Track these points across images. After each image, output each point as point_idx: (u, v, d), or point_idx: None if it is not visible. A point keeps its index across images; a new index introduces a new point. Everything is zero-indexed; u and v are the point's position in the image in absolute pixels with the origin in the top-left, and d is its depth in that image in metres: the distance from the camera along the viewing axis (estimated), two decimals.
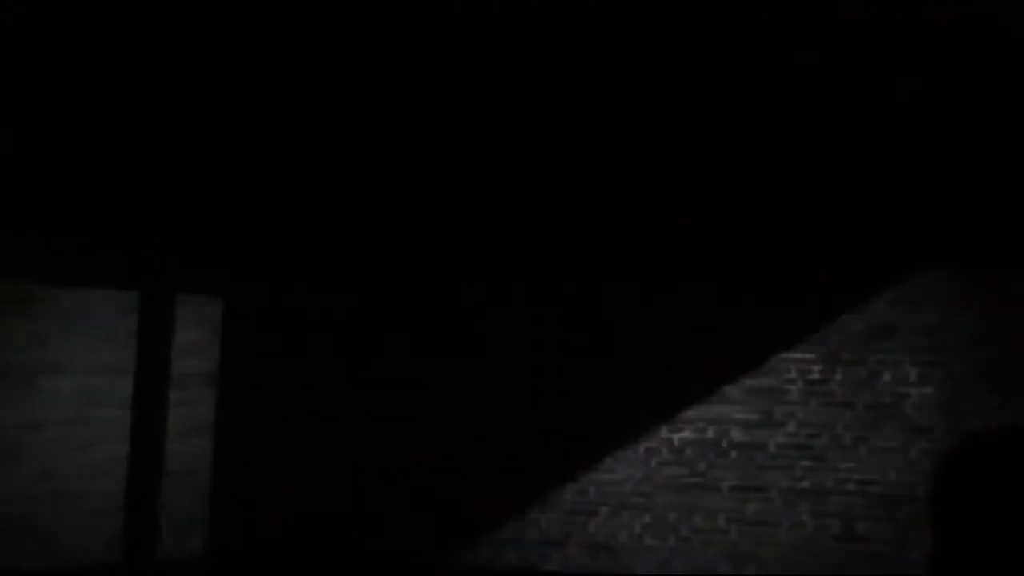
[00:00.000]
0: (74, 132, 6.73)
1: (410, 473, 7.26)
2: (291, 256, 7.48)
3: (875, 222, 6.66)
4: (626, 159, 6.81)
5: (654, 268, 7.04)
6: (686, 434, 7.02)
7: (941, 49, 4.92)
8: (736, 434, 6.96)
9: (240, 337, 7.45)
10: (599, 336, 7.11)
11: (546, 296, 7.16)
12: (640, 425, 7.07)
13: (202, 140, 6.95)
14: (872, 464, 6.69)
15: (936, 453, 6.64)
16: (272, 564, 7.23)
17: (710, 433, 6.99)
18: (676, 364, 7.04)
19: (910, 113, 5.77)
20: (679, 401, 7.03)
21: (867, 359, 6.74)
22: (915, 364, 6.68)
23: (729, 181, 6.79)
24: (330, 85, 6.13)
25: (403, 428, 7.27)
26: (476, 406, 7.20)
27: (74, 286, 7.06)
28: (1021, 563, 0.78)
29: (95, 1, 4.95)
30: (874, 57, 5.10)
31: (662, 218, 7.02)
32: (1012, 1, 4.19)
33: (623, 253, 7.03)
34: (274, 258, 7.49)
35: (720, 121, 6.27)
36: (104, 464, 7.09)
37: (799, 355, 6.93)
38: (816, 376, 6.92)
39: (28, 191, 6.87)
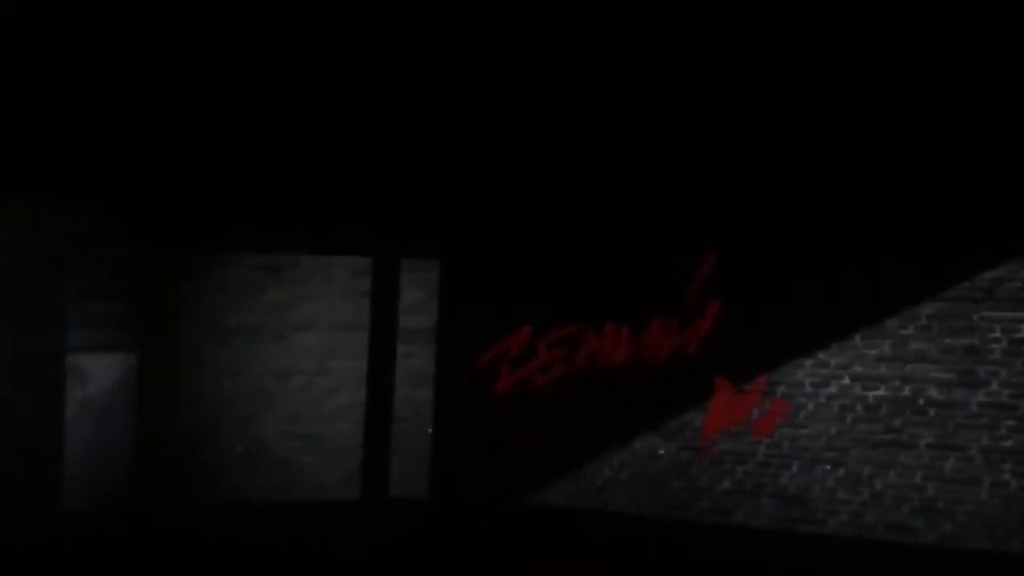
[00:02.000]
0: (316, 127, 7.66)
1: (607, 427, 7.74)
2: (500, 226, 8.11)
3: None
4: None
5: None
6: (881, 391, 7.10)
7: None
8: (934, 392, 6.97)
9: (454, 296, 8.19)
10: (795, 290, 7.28)
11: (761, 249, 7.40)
12: (833, 381, 7.21)
13: (420, 130, 7.70)
14: None
15: None
16: (481, 509, 7.89)
17: (906, 391, 7.04)
18: (868, 319, 7.11)
19: None
20: (871, 357, 7.11)
21: None
22: None
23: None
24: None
25: (590, 383, 7.76)
26: (677, 363, 7.57)
27: (314, 254, 8.05)
28: None
29: None
30: None
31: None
32: None
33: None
34: (485, 228, 8.16)
35: None
36: (342, 409, 8.08)
37: (1003, 313, 6.83)
38: (1022, 335, 6.80)
39: (276, 176, 7.90)
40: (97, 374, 7.17)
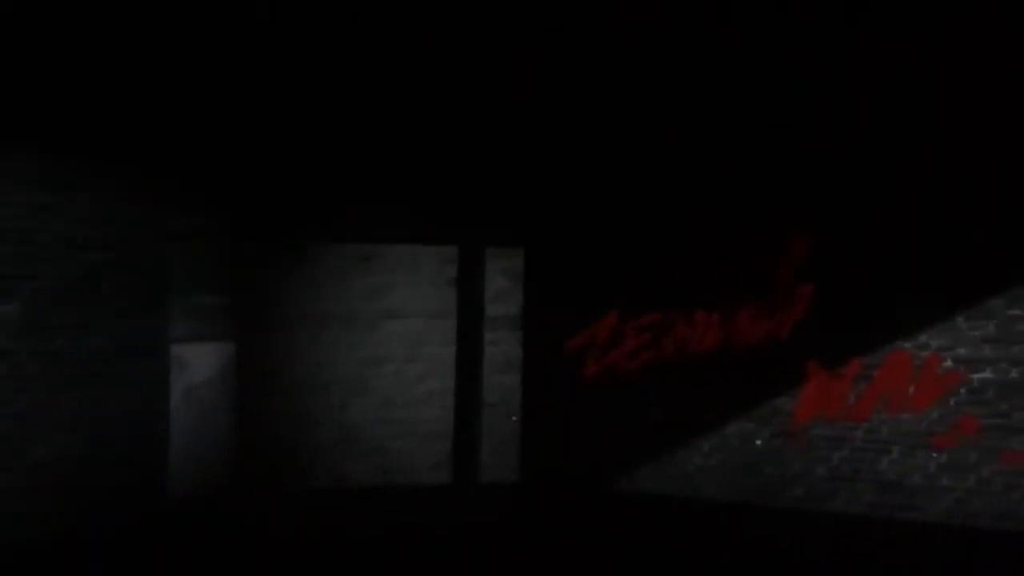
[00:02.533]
0: (404, 119, 7.77)
1: (697, 413, 7.67)
2: (585, 212, 8.10)
3: None
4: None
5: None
6: (987, 374, 6.83)
7: None
8: None
9: (540, 284, 8.22)
10: (885, 274, 7.08)
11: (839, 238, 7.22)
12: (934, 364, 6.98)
13: (504, 119, 7.73)
14: None
15: None
16: (570, 495, 7.92)
17: (1013, 374, 6.76)
18: (970, 300, 6.86)
19: None
20: (975, 339, 6.85)
21: None
22: None
23: None
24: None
25: (679, 369, 7.69)
26: (768, 348, 7.45)
27: (403, 243, 8.17)
28: None
29: None
30: None
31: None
32: None
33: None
34: (570, 214, 8.15)
35: None
36: (432, 395, 8.20)
37: None
38: None
39: (365, 167, 8.05)
40: (199, 363, 7.44)
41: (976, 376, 6.86)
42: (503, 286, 8.24)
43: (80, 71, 6.27)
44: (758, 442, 7.36)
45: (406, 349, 8.16)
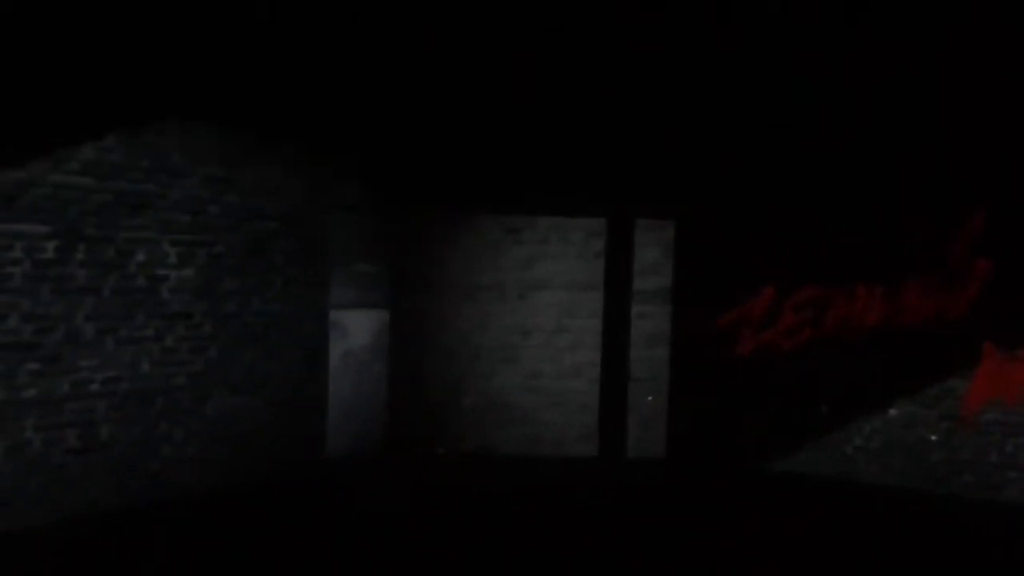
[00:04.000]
0: (566, 91, 7.75)
1: (858, 393, 7.36)
2: (739, 184, 7.88)
3: None
4: None
5: None
6: None
7: None
8: None
9: (690, 258, 8.06)
10: None
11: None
12: None
13: (655, 89, 7.59)
14: None
15: None
16: (720, 473, 7.77)
17: None
18: None
19: None
20: None
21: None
22: None
23: None
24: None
25: (839, 346, 7.38)
26: (938, 327, 7.07)
27: (551, 215, 8.19)
28: None
29: None
30: None
31: None
32: None
33: None
34: (723, 186, 7.95)
35: None
36: (580, 367, 8.21)
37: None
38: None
39: (515, 140, 8.09)
40: (356, 329, 7.73)
41: None
42: (653, 259, 8.13)
43: (250, 53, 6.57)
44: (933, 437, 6.99)
45: (554, 320, 8.19)
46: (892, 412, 7.21)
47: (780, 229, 7.65)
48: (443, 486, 6.96)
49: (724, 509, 6.50)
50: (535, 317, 8.21)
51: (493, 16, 6.59)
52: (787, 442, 7.63)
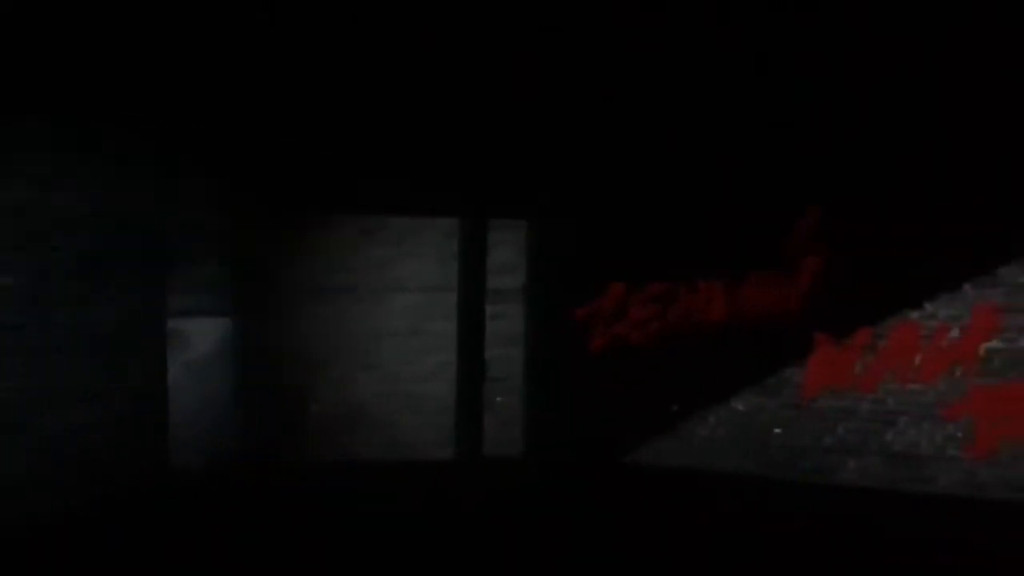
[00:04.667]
0: (407, 91, 7.66)
1: (702, 384, 7.62)
2: (588, 184, 8.02)
3: None
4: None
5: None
6: (995, 344, 6.79)
7: None
8: None
9: (544, 256, 8.14)
10: (891, 252, 7.02)
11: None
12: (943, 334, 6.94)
13: (507, 89, 7.62)
14: None
15: None
16: (575, 467, 7.88)
17: (1022, 343, 6.72)
18: (978, 268, 6.81)
19: None
20: (983, 308, 6.81)
21: None
22: None
23: None
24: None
25: (686, 340, 7.63)
26: (776, 319, 7.39)
27: (405, 215, 8.09)
28: None
29: None
30: None
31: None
32: None
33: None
34: (573, 186, 8.07)
35: None
36: (437, 370, 8.15)
37: None
38: None
39: (368, 139, 7.95)
40: (198, 337, 7.38)
41: (984, 346, 6.82)
42: (507, 258, 8.17)
43: (78, 37, 6.17)
44: (777, 430, 7.31)
45: (410, 323, 8.10)
46: (735, 402, 7.52)
47: (630, 226, 7.84)
48: (294, 495, 6.74)
49: (579, 503, 6.59)
50: (391, 320, 8.09)
51: (337, 9, 6.45)
52: (640, 434, 7.82)
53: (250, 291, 7.80)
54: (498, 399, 7.85)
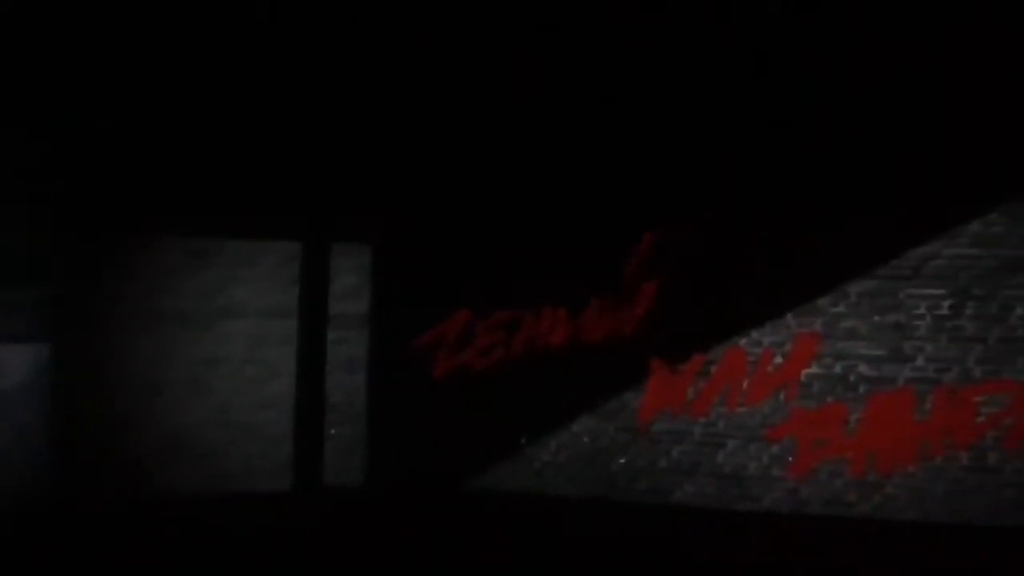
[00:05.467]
0: (245, 110, 7.41)
1: (544, 409, 7.71)
2: (434, 210, 8.00)
3: None
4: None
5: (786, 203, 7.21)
6: (813, 369, 7.21)
7: None
8: (864, 369, 7.11)
9: (388, 281, 8.04)
10: (719, 274, 7.35)
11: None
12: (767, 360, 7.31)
13: (350, 113, 7.52)
14: None
15: None
16: (419, 495, 7.79)
17: (837, 369, 7.16)
18: (799, 299, 7.23)
19: None
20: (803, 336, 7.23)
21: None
22: None
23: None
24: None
25: (524, 364, 7.72)
26: (614, 345, 7.58)
27: (242, 239, 7.80)
28: None
29: None
30: None
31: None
32: None
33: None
34: (419, 211, 8.03)
35: None
36: (273, 398, 7.85)
37: (928, 291, 7.00)
38: (945, 312, 6.98)
39: (202, 158, 7.62)
40: (11, 366, 6.83)
41: (803, 371, 7.23)
42: (349, 283, 8.01)
43: None
44: (585, 439, 7.48)
45: (245, 349, 7.79)
46: (576, 427, 7.64)
47: (475, 253, 7.86)
48: (116, 533, 6.31)
49: (413, 534, 6.49)
50: (225, 346, 7.77)
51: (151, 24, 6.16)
52: (483, 461, 7.80)
53: (70, 317, 7.29)
54: (332, 431, 7.67)
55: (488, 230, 7.85)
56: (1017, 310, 6.80)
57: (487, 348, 7.81)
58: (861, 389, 7.09)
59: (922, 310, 7.01)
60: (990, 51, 5.78)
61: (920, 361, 6.99)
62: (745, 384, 7.32)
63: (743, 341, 7.34)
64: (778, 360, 7.28)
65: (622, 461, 7.52)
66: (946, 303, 6.96)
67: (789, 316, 7.26)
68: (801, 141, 7.15)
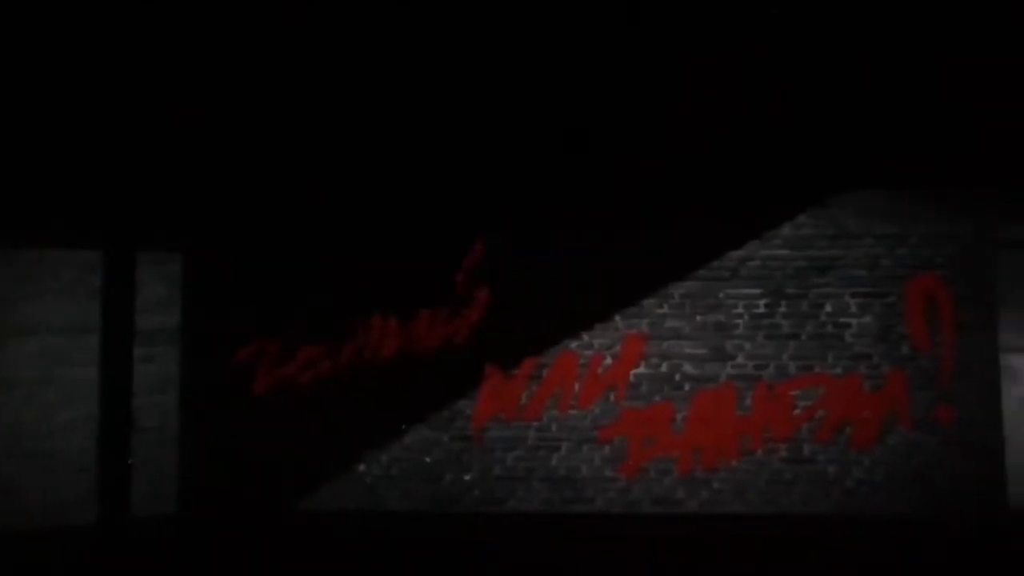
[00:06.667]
0: (38, 109, 6.69)
1: (375, 422, 7.43)
2: (251, 215, 7.55)
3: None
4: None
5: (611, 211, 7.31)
6: (641, 369, 7.35)
7: None
8: (689, 368, 7.33)
9: (202, 293, 7.50)
10: (558, 279, 7.37)
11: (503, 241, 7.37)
12: (597, 362, 7.38)
13: (154, 115, 6.96)
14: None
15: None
16: (241, 520, 7.33)
17: (664, 368, 7.34)
18: (626, 300, 7.36)
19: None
20: (631, 336, 7.36)
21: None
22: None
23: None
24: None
25: (353, 377, 7.44)
26: (447, 353, 7.42)
27: (33, 247, 7.04)
28: None
29: None
30: None
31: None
32: None
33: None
34: (234, 216, 7.55)
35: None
36: (74, 422, 7.13)
37: (745, 290, 7.31)
38: (761, 311, 7.31)
39: None
40: None
41: (632, 372, 7.36)
42: (158, 295, 7.41)
43: None
44: (427, 459, 7.31)
45: (39, 370, 7.03)
46: (408, 439, 7.41)
47: (298, 261, 7.47)
48: None
49: (240, 560, 6.06)
50: (16, 367, 6.97)
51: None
52: (311, 480, 7.42)
53: None
54: (129, 461, 7.06)
55: (313, 236, 7.49)
56: (826, 307, 7.23)
57: (312, 361, 7.44)
58: (686, 387, 7.30)
59: (740, 309, 7.31)
60: (794, 63, 6.08)
61: (740, 359, 7.29)
62: (577, 387, 7.37)
63: (574, 344, 7.39)
64: (608, 362, 7.37)
65: (461, 474, 7.36)
66: (762, 302, 7.30)
67: (617, 318, 7.38)
68: (624, 146, 7.28)
